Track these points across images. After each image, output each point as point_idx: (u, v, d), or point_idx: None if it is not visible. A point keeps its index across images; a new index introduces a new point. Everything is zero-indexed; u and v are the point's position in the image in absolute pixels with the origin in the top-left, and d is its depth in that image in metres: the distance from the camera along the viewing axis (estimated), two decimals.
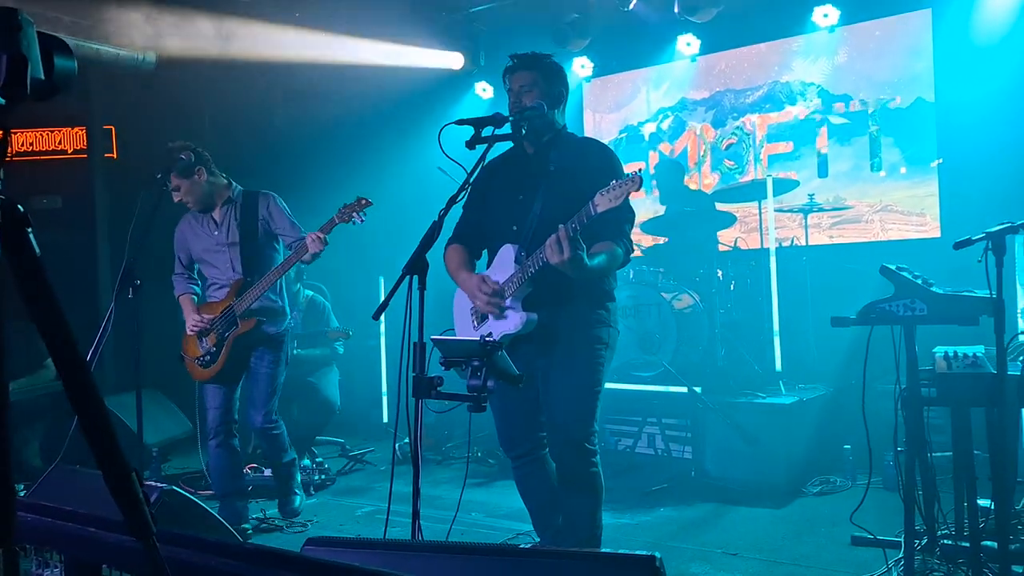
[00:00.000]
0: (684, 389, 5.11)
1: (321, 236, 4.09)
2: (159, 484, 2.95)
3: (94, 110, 6.93)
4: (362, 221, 4.12)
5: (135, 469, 1.27)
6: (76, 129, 6.93)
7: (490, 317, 3.10)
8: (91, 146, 6.95)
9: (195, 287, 4.51)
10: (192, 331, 4.32)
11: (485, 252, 3.36)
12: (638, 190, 2.72)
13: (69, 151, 6.94)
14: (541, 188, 3.12)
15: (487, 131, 2.87)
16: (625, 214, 3.01)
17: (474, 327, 3.17)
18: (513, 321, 3.04)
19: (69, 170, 6.89)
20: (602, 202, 2.74)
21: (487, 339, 2.51)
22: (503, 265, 3.13)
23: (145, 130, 6.86)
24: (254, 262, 4.33)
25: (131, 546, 1.63)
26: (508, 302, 3.05)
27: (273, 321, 4.38)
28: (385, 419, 6.98)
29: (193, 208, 4.35)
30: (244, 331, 4.25)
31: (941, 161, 5.97)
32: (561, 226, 2.75)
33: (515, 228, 3.14)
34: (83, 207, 6.94)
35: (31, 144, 6.87)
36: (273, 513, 4.70)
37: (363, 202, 4.12)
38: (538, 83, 3.13)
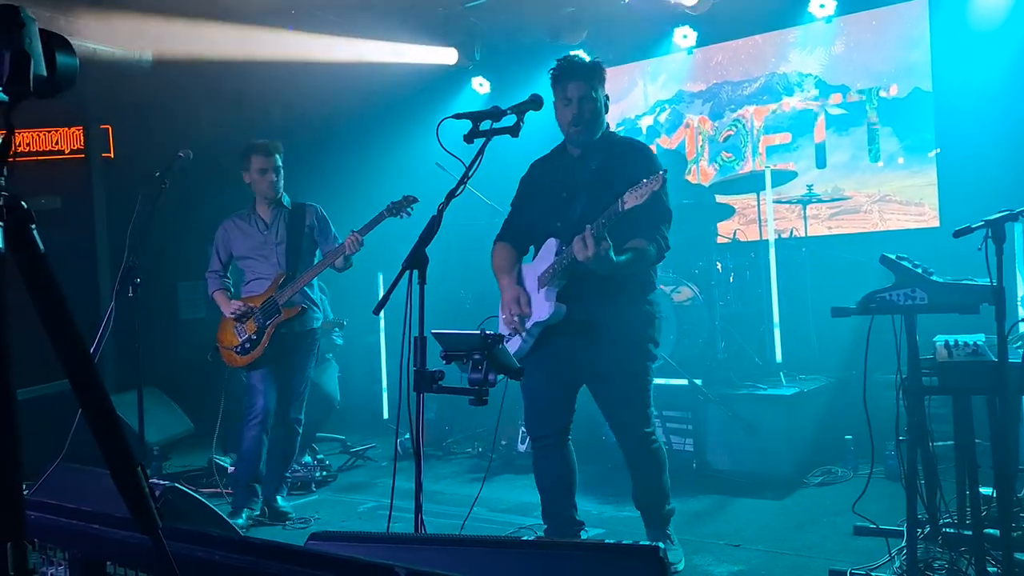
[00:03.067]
0: (685, 381, 5.11)
1: (359, 238, 4.34)
2: (162, 482, 2.95)
3: (91, 110, 6.91)
4: (409, 215, 4.33)
5: (141, 463, 1.27)
6: (73, 129, 6.92)
7: (535, 300, 3.31)
8: (89, 146, 6.94)
9: (228, 283, 4.68)
10: (232, 314, 4.48)
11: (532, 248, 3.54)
12: (659, 187, 2.86)
13: (67, 151, 6.93)
14: (584, 188, 3.29)
15: (485, 125, 2.86)
16: (661, 214, 3.19)
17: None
18: (545, 309, 3.26)
19: (67, 170, 6.88)
20: (630, 199, 2.91)
21: (487, 332, 2.52)
22: (546, 256, 3.33)
23: (142, 129, 6.86)
24: (298, 261, 4.57)
25: (135, 542, 1.63)
26: (543, 291, 3.26)
27: (310, 318, 4.60)
28: (386, 415, 6.98)
29: (264, 192, 4.54)
30: (287, 318, 4.45)
31: (939, 150, 5.97)
32: (588, 225, 2.93)
33: (559, 224, 3.30)
34: (81, 207, 6.93)
35: (28, 144, 6.85)
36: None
37: (410, 199, 4.36)
38: (595, 90, 3.28)
